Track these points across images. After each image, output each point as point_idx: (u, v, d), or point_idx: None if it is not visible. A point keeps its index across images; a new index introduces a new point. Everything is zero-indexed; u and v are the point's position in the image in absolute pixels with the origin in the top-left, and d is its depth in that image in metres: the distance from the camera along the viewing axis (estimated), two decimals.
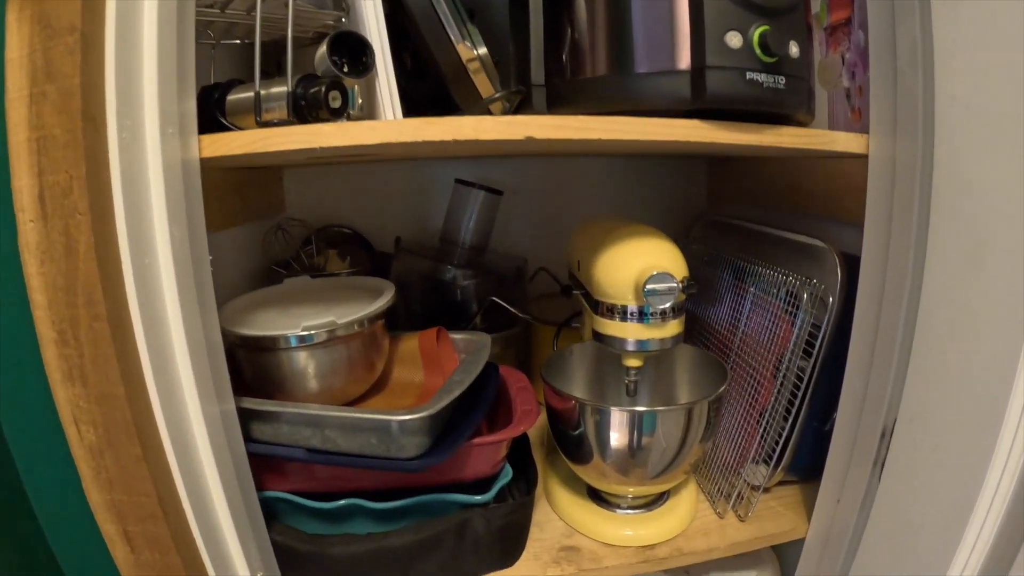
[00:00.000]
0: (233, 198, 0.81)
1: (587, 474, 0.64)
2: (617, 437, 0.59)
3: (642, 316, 0.57)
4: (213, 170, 0.74)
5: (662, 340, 0.58)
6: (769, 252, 0.70)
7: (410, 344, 0.69)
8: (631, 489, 0.63)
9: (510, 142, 0.48)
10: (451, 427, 0.55)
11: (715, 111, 0.49)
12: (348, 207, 0.95)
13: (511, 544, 0.60)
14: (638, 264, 0.56)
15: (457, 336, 0.71)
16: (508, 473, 0.60)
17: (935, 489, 0.50)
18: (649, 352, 0.59)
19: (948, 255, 0.49)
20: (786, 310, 0.64)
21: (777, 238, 0.71)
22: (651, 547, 0.62)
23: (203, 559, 0.48)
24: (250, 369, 0.61)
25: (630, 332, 0.58)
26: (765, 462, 0.67)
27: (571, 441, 0.62)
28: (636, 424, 0.58)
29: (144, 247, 0.43)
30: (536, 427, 0.81)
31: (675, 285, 0.55)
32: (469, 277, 0.79)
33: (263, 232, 0.86)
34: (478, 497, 0.57)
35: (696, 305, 0.81)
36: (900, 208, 0.52)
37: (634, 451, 0.59)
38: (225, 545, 0.50)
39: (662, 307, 0.55)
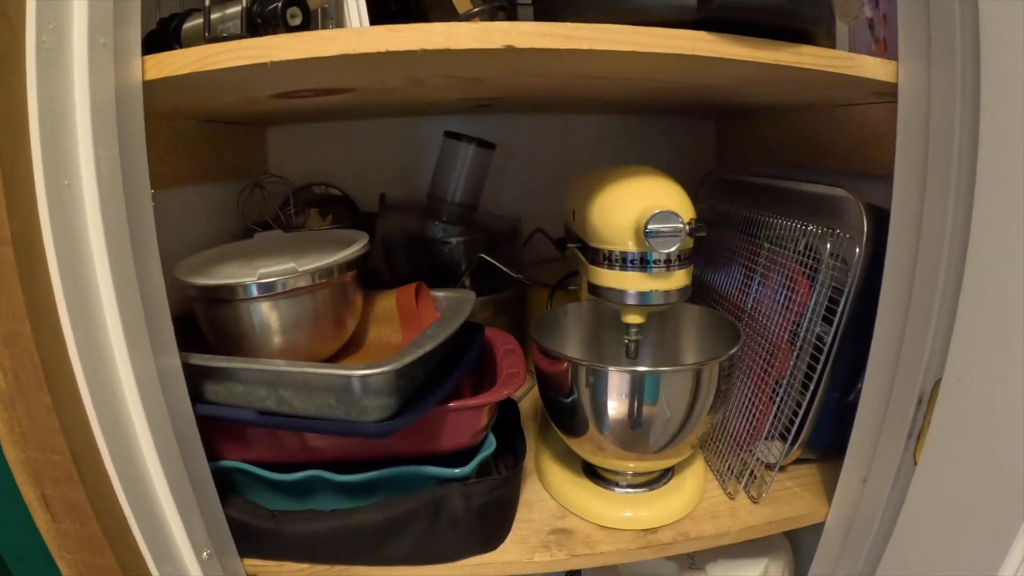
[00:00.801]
0: (206, 152, 0.76)
1: (582, 448, 0.57)
2: (615, 404, 0.52)
3: (644, 264, 0.51)
4: (180, 119, 0.69)
5: (667, 293, 0.52)
6: (785, 206, 0.63)
7: (387, 302, 0.63)
8: (631, 465, 0.56)
9: (489, 55, 0.42)
10: (424, 390, 0.49)
11: (724, 24, 0.42)
12: (333, 167, 0.89)
13: (494, 525, 0.54)
14: (639, 204, 0.49)
15: (439, 294, 0.64)
16: (491, 444, 0.53)
17: (989, 462, 0.43)
18: (652, 307, 0.52)
19: (1003, 189, 0.42)
20: (804, 263, 0.57)
21: (793, 191, 0.64)
22: (653, 531, 0.56)
23: (134, 533, 0.42)
24: (210, 325, 0.55)
25: (630, 283, 0.51)
26: (781, 438, 0.60)
27: (564, 410, 0.56)
28: (637, 388, 0.51)
29: (63, 166, 0.38)
30: (528, 400, 0.75)
31: (680, 226, 0.48)
32: (458, 234, 0.73)
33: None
34: (456, 470, 0.50)
35: (703, 269, 0.74)
36: (938, 143, 0.45)
37: (635, 420, 0.52)
38: (162, 518, 0.44)
39: (666, 251, 0.48)
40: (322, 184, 0.86)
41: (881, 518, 0.52)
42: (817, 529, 0.60)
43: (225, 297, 0.52)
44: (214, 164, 0.77)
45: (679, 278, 0.52)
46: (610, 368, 0.51)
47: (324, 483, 0.51)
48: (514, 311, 0.79)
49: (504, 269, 0.70)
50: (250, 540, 0.52)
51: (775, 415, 0.59)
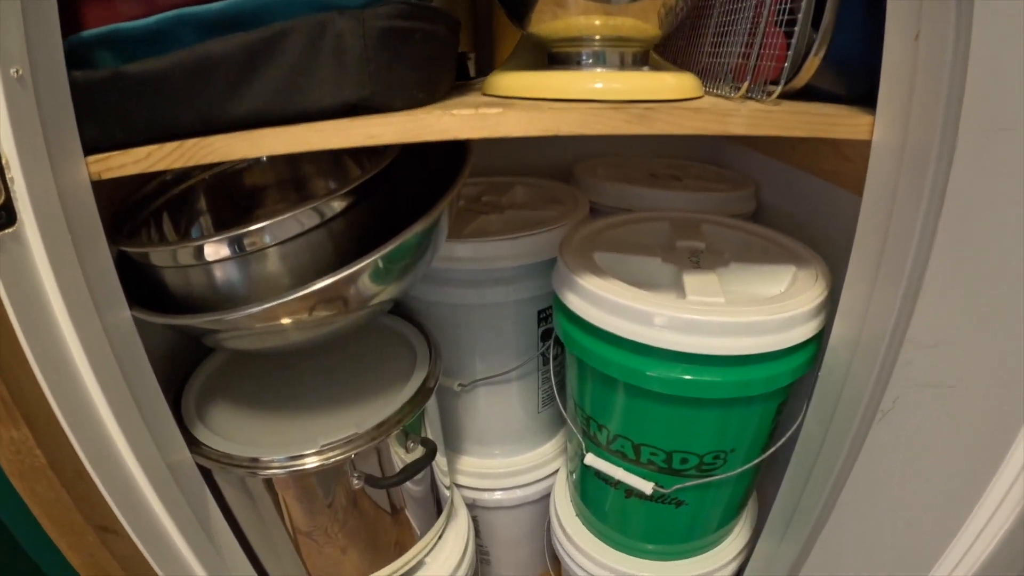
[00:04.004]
0: None
1: (540, 19, 0.43)
2: None
3: None
4: None
5: None
6: None
7: None
8: (597, 20, 0.41)
9: None
10: None
11: None
12: None
13: (397, 72, 0.39)
14: None
15: None
16: None
17: None
18: None
19: None
20: None
21: None
22: (630, 101, 0.40)
23: None
24: None
25: None
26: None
27: None
28: None
29: None
30: None
31: None
32: None
33: None
34: None
35: None
36: None
37: None
38: None
39: None
40: None
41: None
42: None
43: None
44: None
45: None
46: None
47: (187, 24, 0.37)
48: None
49: None
50: (89, 99, 0.38)
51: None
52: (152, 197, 0.58)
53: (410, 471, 0.50)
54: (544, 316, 0.65)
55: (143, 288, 0.46)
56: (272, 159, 0.62)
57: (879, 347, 0.42)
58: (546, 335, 0.67)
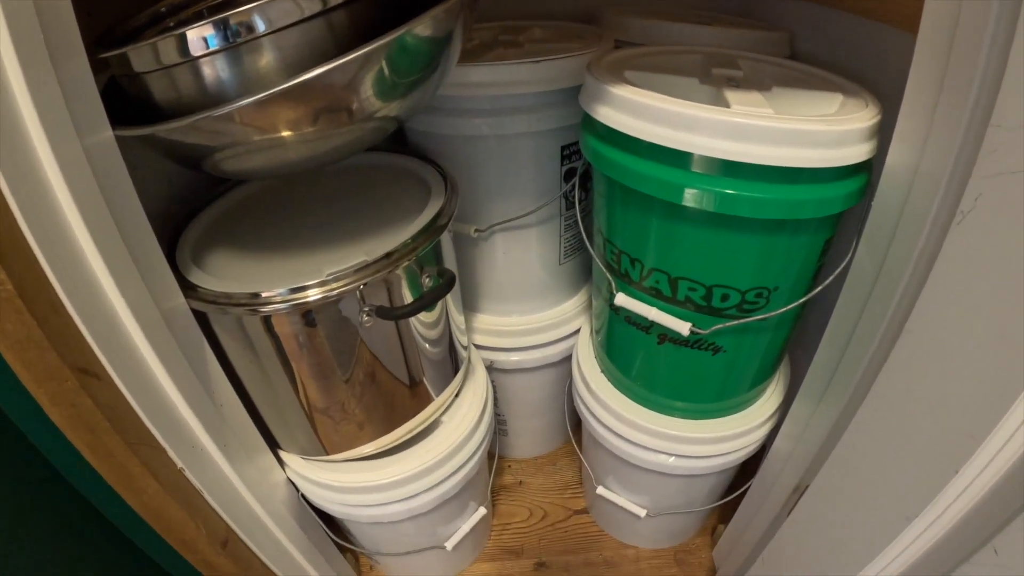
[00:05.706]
0: None
1: None
2: None
3: None
4: None
5: None
6: None
7: None
8: None
9: None
10: None
11: None
12: None
13: None
14: None
15: None
16: None
17: None
18: None
19: None
20: None
21: None
22: None
23: None
24: None
25: None
26: None
27: None
28: None
29: None
30: None
31: None
32: None
33: None
34: None
35: None
36: None
37: None
38: None
39: None
40: None
41: None
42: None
43: None
44: None
45: None
46: None
47: None
48: None
49: None
50: None
51: None
52: (142, 30, 0.52)
53: (427, 299, 0.46)
54: (568, 154, 0.60)
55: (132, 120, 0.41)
56: None
57: (952, 146, 0.37)
58: (569, 175, 0.62)
